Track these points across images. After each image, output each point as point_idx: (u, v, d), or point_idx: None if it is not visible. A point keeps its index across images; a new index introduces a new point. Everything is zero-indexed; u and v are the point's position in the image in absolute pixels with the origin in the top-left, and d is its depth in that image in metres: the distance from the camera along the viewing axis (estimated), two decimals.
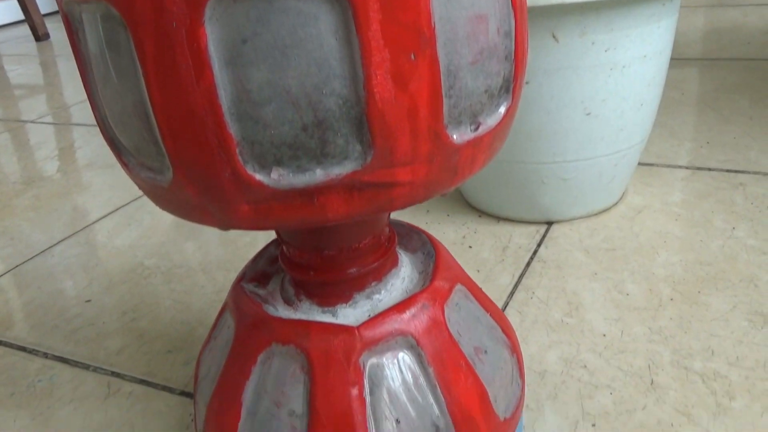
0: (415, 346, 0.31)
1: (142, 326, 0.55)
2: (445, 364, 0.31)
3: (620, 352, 0.46)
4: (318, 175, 0.23)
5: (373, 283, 0.34)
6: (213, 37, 0.21)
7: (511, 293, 0.54)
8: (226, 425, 0.32)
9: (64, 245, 0.71)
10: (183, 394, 0.47)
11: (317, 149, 0.23)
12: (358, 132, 0.23)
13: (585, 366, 0.45)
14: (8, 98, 1.40)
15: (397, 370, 0.31)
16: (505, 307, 0.52)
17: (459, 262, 0.59)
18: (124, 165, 0.27)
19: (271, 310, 0.33)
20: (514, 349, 0.36)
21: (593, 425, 0.40)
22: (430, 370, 0.31)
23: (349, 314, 0.33)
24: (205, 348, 0.37)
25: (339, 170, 0.23)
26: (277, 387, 0.31)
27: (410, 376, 0.31)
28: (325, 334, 0.31)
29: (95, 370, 0.50)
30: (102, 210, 0.78)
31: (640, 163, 0.74)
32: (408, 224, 0.39)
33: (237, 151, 0.23)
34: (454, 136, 0.25)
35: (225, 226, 0.26)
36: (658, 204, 0.66)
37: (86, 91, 0.26)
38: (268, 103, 0.22)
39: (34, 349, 0.53)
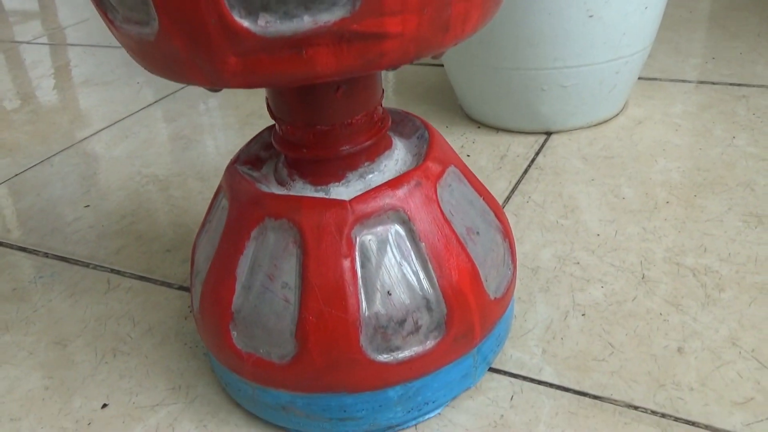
0: (407, 221, 0.31)
1: (140, 229, 0.55)
2: (437, 240, 0.32)
3: (613, 250, 0.46)
4: (306, 22, 0.23)
5: (366, 163, 0.33)
6: None
7: (508, 197, 0.54)
8: (221, 299, 0.33)
9: (62, 156, 0.71)
10: (181, 288, 0.47)
11: None
12: None
13: (578, 263, 0.45)
14: (2, 21, 1.38)
15: (389, 243, 0.31)
16: None
17: None
18: (110, 22, 0.26)
19: (264, 189, 0.33)
20: (507, 234, 0.37)
21: (583, 314, 0.41)
22: (422, 245, 0.31)
23: (342, 192, 0.33)
24: (200, 233, 0.37)
25: (327, 17, 0.23)
26: (270, 261, 0.32)
27: (402, 251, 0.31)
28: (318, 207, 0.31)
29: (95, 267, 0.51)
30: (99, 124, 0.78)
31: (642, 78, 0.73)
32: (403, 111, 0.38)
33: None
34: None
35: (214, 82, 0.25)
36: (659, 115, 0.65)
37: None
38: None
39: (34, 250, 0.54)
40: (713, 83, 0.71)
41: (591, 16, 0.55)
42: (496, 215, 0.36)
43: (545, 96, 0.60)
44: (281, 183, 0.34)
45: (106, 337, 0.43)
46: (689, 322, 0.39)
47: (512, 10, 0.55)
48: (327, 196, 0.33)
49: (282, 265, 0.31)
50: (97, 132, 0.76)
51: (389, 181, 0.32)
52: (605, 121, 0.65)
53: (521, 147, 0.62)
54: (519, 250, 0.47)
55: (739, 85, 0.70)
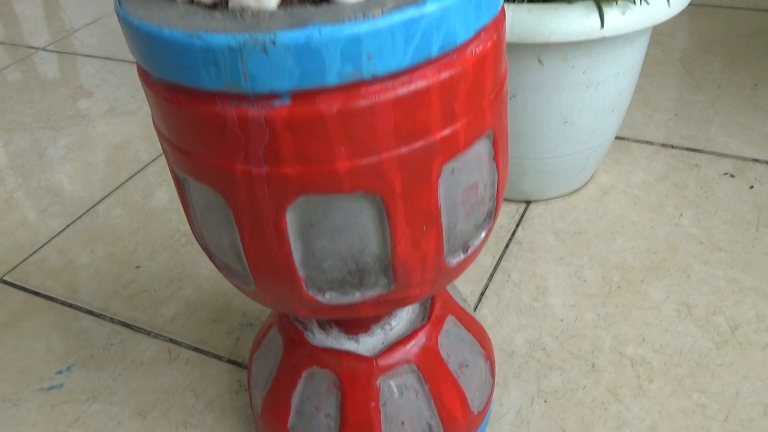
0: (416, 370, 0.43)
1: (187, 295, 0.67)
2: (437, 380, 0.44)
3: (572, 337, 0.59)
4: (357, 296, 0.34)
5: (386, 318, 0.45)
6: (291, 222, 0.31)
7: (491, 275, 0.66)
8: (279, 418, 0.45)
9: (104, 205, 0.81)
10: (229, 362, 0.59)
11: (357, 283, 0.33)
12: (385, 273, 0.33)
13: (544, 348, 0.58)
14: (9, 15, 1.42)
15: (402, 387, 0.43)
16: (485, 289, 0.64)
17: None
18: (216, 265, 0.37)
19: (310, 337, 0.45)
20: (488, 357, 0.49)
21: (545, 401, 0.53)
22: (426, 387, 0.44)
23: (368, 341, 0.45)
24: (256, 351, 0.49)
25: (371, 293, 0.34)
26: (317, 396, 0.44)
27: (412, 391, 0.43)
28: (353, 362, 0.43)
29: (155, 336, 0.63)
30: (133, 165, 0.87)
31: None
32: None
33: (303, 284, 0.33)
34: (451, 262, 0.35)
35: (290, 315, 0.36)
36: (622, 185, 0.76)
37: (187, 216, 0.36)
38: (326, 260, 0.32)
39: (100, 314, 0.65)
40: (672, 147, 0.82)
41: (565, 123, 0.66)
42: (480, 344, 0.48)
43: (526, 177, 0.71)
44: (322, 326, 0.46)
45: (176, 409, 0.56)
46: (623, 412, 0.52)
47: None
48: (357, 344, 0.44)
49: (325, 400, 0.43)
50: (132, 176, 0.85)
51: (402, 339, 0.44)
52: (577, 190, 0.76)
53: (504, 217, 0.73)
54: (498, 333, 0.60)
55: (694, 150, 0.81)
